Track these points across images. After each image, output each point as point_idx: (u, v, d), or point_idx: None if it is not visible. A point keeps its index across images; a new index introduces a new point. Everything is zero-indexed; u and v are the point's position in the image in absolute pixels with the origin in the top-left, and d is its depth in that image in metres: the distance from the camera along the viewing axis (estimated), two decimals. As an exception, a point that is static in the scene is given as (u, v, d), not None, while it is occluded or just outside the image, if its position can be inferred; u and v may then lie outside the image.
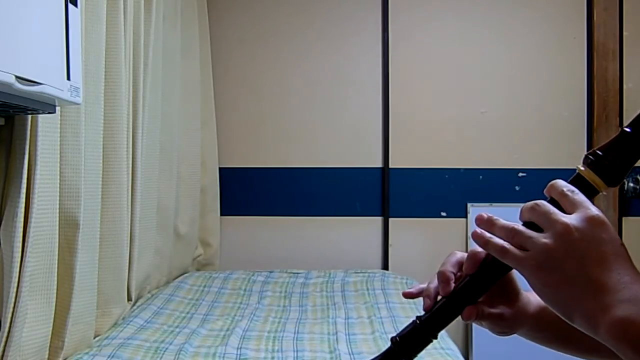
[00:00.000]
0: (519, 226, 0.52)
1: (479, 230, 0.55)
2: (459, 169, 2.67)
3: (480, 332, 2.56)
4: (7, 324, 1.20)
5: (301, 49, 2.69)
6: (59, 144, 1.35)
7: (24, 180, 1.23)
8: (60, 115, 1.35)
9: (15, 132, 1.24)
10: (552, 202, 0.52)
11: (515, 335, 0.69)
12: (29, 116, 1.22)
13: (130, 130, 1.80)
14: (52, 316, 1.36)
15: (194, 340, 1.61)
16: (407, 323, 0.60)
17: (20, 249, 1.22)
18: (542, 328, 0.65)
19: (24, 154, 1.23)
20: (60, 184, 1.37)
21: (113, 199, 1.67)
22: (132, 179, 1.84)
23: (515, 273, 0.57)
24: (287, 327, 1.79)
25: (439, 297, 0.59)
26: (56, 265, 1.36)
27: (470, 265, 0.57)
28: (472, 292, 0.58)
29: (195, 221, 2.52)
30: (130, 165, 1.82)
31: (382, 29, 2.67)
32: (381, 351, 0.60)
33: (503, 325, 0.63)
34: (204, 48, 2.57)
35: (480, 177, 2.66)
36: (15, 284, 1.21)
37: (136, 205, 1.85)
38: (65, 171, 1.39)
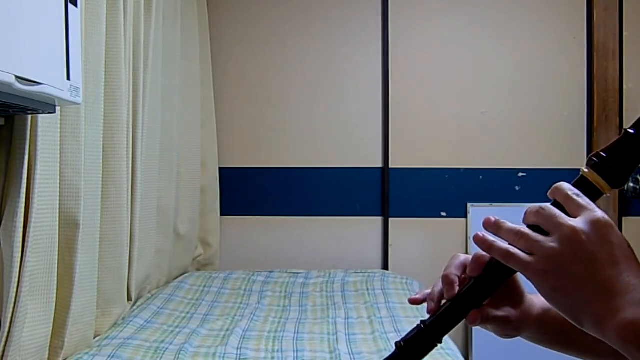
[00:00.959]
0: (525, 229, 0.52)
1: (481, 233, 0.54)
2: (459, 169, 2.67)
3: (480, 333, 2.56)
4: (7, 324, 1.20)
5: (301, 49, 2.69)
6: (59, 144, 1.35)
7: (24, 180, 1.23)
8: (60, 115, 1.35)
9: (15, 132, 1.24)
10: (557, 205, 0.52)
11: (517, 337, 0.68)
12: (29, 116, 1.22)
13: (130, 130, 1.80)
14: (52, 316, 1.36)
15: (194, 340, 1.61)
16: (412, 327, 0.60)
17: (20, 249, 1.22)
18: (546, 330, 0.64)
19: (24, 154, 1.23)
20: (60, 184, 1.37)
21: (113, 199, 1.67)
22: (132, 179, 1.84)
23: (519, 275, 0.57)
24: (287, 327, 1.79)
25: (443, 301, 0.59)
26: (56, 265, 1.36)
27: (474, 268, 0.57)
28: (477, 296, 0.57)
29: (195, 221, 2.52)
30: (130, 165, 1.82)
31: (382, 29, 2.67)
32: (385, 356, 0.60)
33: (509, 328, 0.62)
34: (204, 48, 2.57)
35: (480, 177, 2.66)
36: (15, 284, 1.21)
37: (136, 205, 1.85)
38: (65, 171, 1.39)
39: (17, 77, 0.92)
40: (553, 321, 0.63)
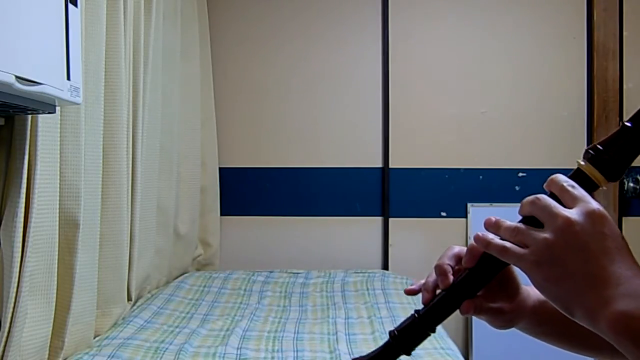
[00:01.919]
0: (520, 225, 0.52)
1: (480, 233, 0.55)
2: (459, 169, 2.67)
3: (480, 332, 2.56)
4: (7, 324, 1.20)
5: (301, 49, 2.69)
6: (59, 144, 1.35)
7: (24, 180, 1.23)
8: (60, 115, 1.35)
9: (15, 132, 1.24)
10: (552, 196, 0.52)
11: (515, 334, 0.69)
12: (29, 116, 1.22)
13: (130, 130, 1.80)
14: (52, 316, 1.36)
15: (194, 340, 1.61)
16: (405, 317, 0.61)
17: (20, 249, 1.22)
18: (541, 322, 0.65)
19: (24, 154, 1.23)
20: (60, 184, 1.37)
21: (113, 199, 1.67)
22: (132, 179, 1.84)
23: (515, 268, 0.57)
24: (287, 327, 1.79)
25: (438, 291, 0.60)
26: (56, 265, 1.36)
27: (469, 260, 0.57)
28: (471, 286, 0.58)
29: (195, 221, 2.52)
30: (130, 165, 1.82)
31: (382, 29, 2.67)
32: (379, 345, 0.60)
33: (502, 319, 0.63)
34: (204, 48, 2.57)
35: (480, 177, 2.66)
36: (15, 284, 1.21)
37: (136, 205, 1.85)
38: (65, 171, 1.39)
39: (17, 77, 0.92)
40: (548, 313, 0.63)
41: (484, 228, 0.56)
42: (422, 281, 0.63)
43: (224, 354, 1.51)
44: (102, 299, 1.64)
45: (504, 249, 0.52)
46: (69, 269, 1.41)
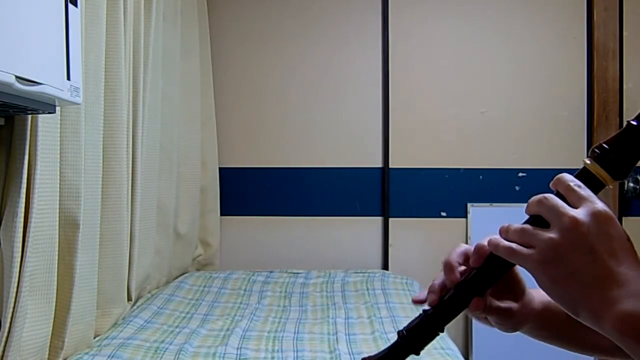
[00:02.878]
0: (527, 226, 0.53)
1: (494, 237, 0.55)
2: (459, 169, 2.67)
3: (480, 332, 2.56)
4: (7, 324, 1.20)
5: (301, 49, 2.69)
6: (59, 144, 1.35)
7: (24, 180, 1.23)
8: (60, 115, 1.35)
9: (15, 132, 1.24)
10: (559, 196, 0.52)
11: (515, 335, 0.69)
12: (29, 116, 1.22)
13: (130, 130, 1.80)
14: (52, 316, 1.36)
15: (194, 340, 1.61)
16: (414, 316, 0.61)
17: (20, 249, 1.22)
18: (546, 325, 0.65)
19: (24, 154, 1.23)
20: (60, 184, 1.37)
21: (113, 199, 1.67)
22: (132, 179, 1.84)
23: (519, 269, 0.57)
24: (287, 327, 1.79)
25: (446, 292, 0.60)
26: (56, 265, 1.36)
27: (476, 259, 0.58)
28: (479, 286, 0.58)
29: (195, 221, 2.52)
30: (130, 165, 1.82)
31: (382, 29, 2.67)
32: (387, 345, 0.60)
33: (511, 321, 0.63)
34: (204, 48, 2.57)
35: (480, 177, 2.66)
36: (15, 284, 1.21)
37: (136, 205, 1.85)
38: (65, 171, 1.39)
39: (17, 77, 0.92)
40: (553, 317, 0.63)
41: (487, 230, 0.57)
42: (425, 291, 0.63)
43: (224, 354, 1.51)
44: (102, 299, 1.64)
45: (511, 250, 0.52)
46: (69, 269, 1.41)
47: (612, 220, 0.49)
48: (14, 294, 1.20)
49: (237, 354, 1.52)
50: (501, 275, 0.58)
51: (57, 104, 1.15)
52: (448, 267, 0.60)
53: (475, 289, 0.58)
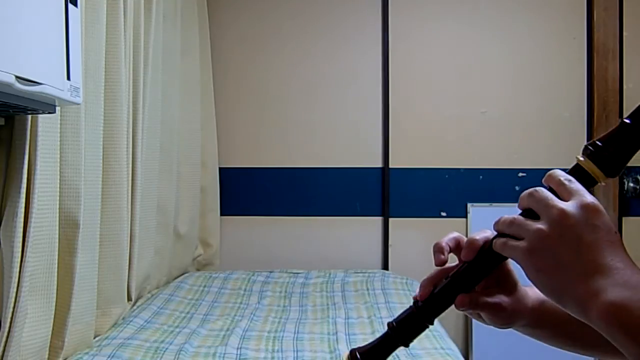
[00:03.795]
0: (516, 217, 0.54)
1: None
2: (459, 169, 2.67)
3: (480, 333, 2.56)
4: (7, 324, 1.20)
5: (301, 49, 2.69)
6: (59, 144, 1.35)
7: (24, 180, 1.23)
8: (60, 115, 1.35)
9: (15, 132, 1.24)
10: (550, 191, 0.53)
11: (515, 334, 0.68)
12: (29, 116, 1.22)
13: (130, 130, 1.80)
14: (52, 316, 1.36)
15: (194, 340, 1.61)
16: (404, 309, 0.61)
17: (20, 249, 1.22)
18: (540, 323, 0.65)
19: (24, 154, 1.23)
20: (60, 184, 1.37)
21: (113, 199, 1.67)
22: (132, 179, 1.84)
23: (512, 264, 0.58)
24: (287, 327, 1.79)
25: (437, 286, 0.61)
26: (56, 265, 1.36)
27: (467, 253, 0.59)
28: (469, 279, 0.59)
29: (195, 221, 2.52)
30: (130, 165, 1.82)
31: (382, 29, 2.67)
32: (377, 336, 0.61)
33: (502, 316, 0.63)
34: (204, 48, 2.57)
35: (480, 177, 2.66)
36: (15, 284, 1.21)
37: (136, 205, 1.85)
38: (65, 171, 1.39)
39: (17, 77, 0.92)
40: (547, 313, 0.63)
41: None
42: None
43: (224, 354, 1.51)
44: (102, 299, 1.64)
45: (503, 243, 0.54)
46: (69, 269, 1.41)
47: (599, 213, 0.50)
48: (14, 294, 1.20)
49: (237, 354, 1.52)
50: (492, 269, 0.59)
51: (57, 104, 1.15)
52: (437, 248, 0.62)
53: (464, 283, 0.59)
